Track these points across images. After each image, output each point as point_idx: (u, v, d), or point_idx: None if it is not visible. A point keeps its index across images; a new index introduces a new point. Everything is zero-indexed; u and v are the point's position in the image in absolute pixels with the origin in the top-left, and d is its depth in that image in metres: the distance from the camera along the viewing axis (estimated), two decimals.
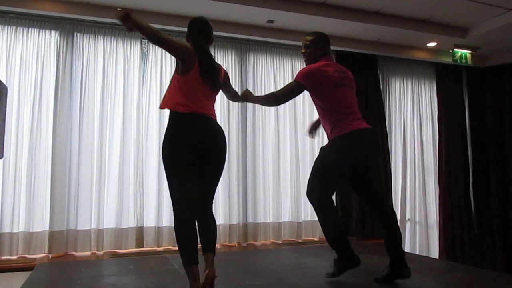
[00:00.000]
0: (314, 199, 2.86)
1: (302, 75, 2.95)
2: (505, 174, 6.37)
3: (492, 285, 2.88)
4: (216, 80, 2.66)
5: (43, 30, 4.52)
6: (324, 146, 3.01)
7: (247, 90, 3.15)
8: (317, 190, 2.85)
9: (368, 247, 4.36)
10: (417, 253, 5.75)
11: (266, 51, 5.40)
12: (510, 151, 6.35)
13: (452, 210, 6.15)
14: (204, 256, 2.42)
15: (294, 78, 2.99)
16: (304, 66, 3.09)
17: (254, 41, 5.28)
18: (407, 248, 5.81)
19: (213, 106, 2.65)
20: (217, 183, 2.66)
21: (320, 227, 2.93)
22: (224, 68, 2.88)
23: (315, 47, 3.06)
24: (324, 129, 3.03)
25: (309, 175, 2.95)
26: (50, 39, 4.53)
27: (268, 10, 4.65)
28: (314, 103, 3.07)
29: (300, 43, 5.56)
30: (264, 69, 5.36)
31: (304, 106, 5.38)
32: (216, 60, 2.78)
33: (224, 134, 2.61)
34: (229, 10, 4.65)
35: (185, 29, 4.91)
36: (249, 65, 5.30)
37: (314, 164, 2.96)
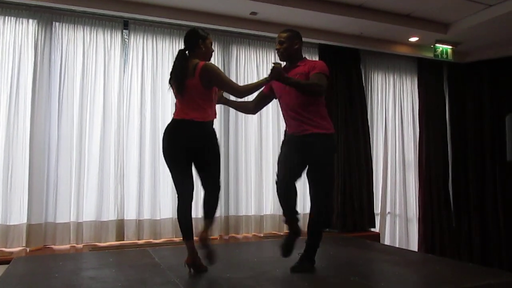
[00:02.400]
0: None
1: (327, 69, 3.09)
2: (483, 169, 6.48)
3: (469, 277, 2.93)
4: (179, 83, 2.90)
5: (21, 19, 4.38)
6: (323, 140, 3.03)
7: (280, 65, 2.95)
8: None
9: (349, 240, 4.40)
10: (397, 245, 5.83)
11: (249, 43, 5.36)
12: (488, 146, 6.47)
13: (432, 204, 6.23)
14: None
15: (317, 72, 3.02)
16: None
17: (237, 33, 5.24)
18: (387, 241, 5.89)
19: (188, 108, 2.88)
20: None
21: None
22: (207, 62, 2.92)
23: (290, 43, 3.20)
24: (308, 119, 3.03)
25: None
26: (28, 28, 4.40)
27: (251, 2, 4.60)
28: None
29: None
30: (247, 61, 5.32)
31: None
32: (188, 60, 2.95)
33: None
34: (212, 1, 4.60)
35: (167, 20, 4.86)
36: (232, 58, 5.27)
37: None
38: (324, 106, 3.12)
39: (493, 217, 6.33)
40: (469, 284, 2.72)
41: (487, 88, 6.55)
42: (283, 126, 5.33)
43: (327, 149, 3.04)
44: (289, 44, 3.18)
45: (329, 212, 3.18)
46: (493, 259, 6.20)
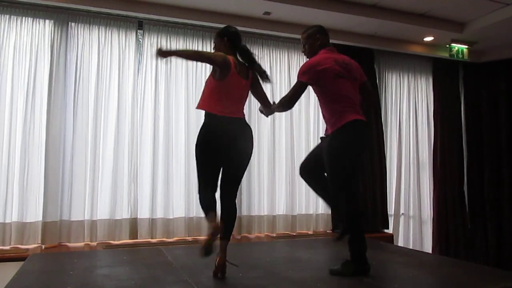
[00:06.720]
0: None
1: (302, 73, 3.03)
2: (499, 169, 6.38)
3: (484, 279, 2.89)
4: None
5: (37, 19, 4.46)
6: (327, 138, 3.02)
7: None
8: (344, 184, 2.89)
9: None
10: (411, 247, 5.76)
11: (263, 43, 5.35)
12: (504, 147, 6.37)
13: (446, 205, 6.16)
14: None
15: (296, 77, 3.08)
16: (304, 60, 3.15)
17: (250, 33, 5.23)
18: (400, 242, 5.84)
19: None
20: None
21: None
22: None
23: (312, 41, 3.13)
24: (324, 120, 3.10)
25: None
26: (44, 29, 4.48)
27: (265, 2, 4.61)
28: (316, 95, 3.14)
29: (297, 36, 5.50)
30: (260, 61, 5.27)
31: (300, 99, 5.34)
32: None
33: None
34: (226, 1, 4.62)
35: (180, 20, 4.86)
36: None
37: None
38: (332, 102, 3.03)
39: (510, 218, 6.23)
40: (484, 287, 2.69)
41: (504, 88, 6.45)
42: (295, 126, 5.36)
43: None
44: (311, 43, 3.13)
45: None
46: (509, 261, 6.10)
